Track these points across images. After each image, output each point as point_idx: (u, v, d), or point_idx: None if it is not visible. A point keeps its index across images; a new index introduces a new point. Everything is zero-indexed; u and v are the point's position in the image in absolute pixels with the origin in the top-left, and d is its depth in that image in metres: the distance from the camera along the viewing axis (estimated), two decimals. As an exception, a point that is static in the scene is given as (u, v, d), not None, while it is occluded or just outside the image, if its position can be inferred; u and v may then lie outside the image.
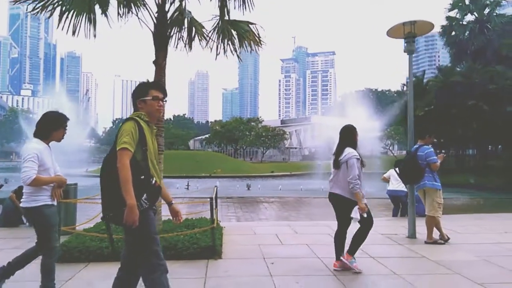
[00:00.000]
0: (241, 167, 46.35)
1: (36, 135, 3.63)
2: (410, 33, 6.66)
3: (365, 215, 4.47)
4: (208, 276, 4.39)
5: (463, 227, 7.60)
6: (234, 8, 7.36)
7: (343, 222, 4.64)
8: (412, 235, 6.58)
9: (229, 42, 7.26)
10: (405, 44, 6.77)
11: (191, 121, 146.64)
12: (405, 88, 33.89)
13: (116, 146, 2.68)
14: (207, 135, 79.65)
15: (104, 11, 6.30)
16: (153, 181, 2.79)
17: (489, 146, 31.96)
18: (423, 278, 4.44)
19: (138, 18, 6.43)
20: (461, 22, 34.03)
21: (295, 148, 78.83)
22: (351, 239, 4.67)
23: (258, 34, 7.43)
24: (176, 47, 7.51)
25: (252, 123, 66.72)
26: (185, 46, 7.58)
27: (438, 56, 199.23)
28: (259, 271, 4.60)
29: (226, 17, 7.00)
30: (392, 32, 6.79)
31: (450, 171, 30.59)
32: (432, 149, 6.21)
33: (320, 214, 12.06)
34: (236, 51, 7.27)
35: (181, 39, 7.47)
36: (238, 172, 41.38)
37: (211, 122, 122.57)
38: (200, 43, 7.40)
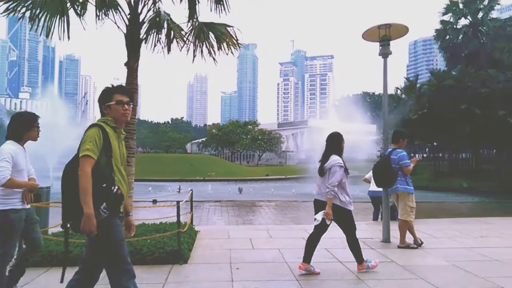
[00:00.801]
0: (236, 171, 46.31)
1: (9, 138, 3.63)
2: (385, 36, 6.65)
3: (328, 222, 4.54)
4: (168, 282, 4.34)
5: (441, 231, 7.56)
6: (211, 10, 7.36)
7: (345, 229, 4.70)
8: (386, 239, 6.54)
9: (206, 44, 7.25)
10: (380, 48, 6.75)
11: (189, 125, 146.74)
12: (399, 91, 33.91)
13: (78, 153, 2.66)
14: (204, 139, 79.60)
15: (79, 14, 6.28)
16: (115, 189, 2.74)
17: (483, 150, 31.97)
18: (385, 283, 4.39)
19: (112, 20, 6.43)
20: (455, 26, 34.12)
21: (292, 151, 78.80)
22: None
23: (236, 37, 7.44)
24: (153, 49, 7.50)
25: (249, 127, 66.73)
26: (162, 49, 7.58)
27: (436, 60, 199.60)
28: (221, 276, 4.56)
29: (199, 20, 6.99)
30: (368, 35, 6.78)
31: (443, 174, 30.62)
32: (405, 153, 6.18)
33: (305, 217, 12.03)
34: (212, 53, 7.24)
35: (159, 41, 7.48)
36: (233, 175, 41.34)
37: (209, 125, 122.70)
38: (178, 46, 7.41)
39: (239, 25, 7.06)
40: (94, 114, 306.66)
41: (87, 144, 2.64)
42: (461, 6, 33.97)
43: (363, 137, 77.09)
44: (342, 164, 4.64)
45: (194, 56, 7.31)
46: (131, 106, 3.02)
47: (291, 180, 40.55)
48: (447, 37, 34.13)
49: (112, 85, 3.03)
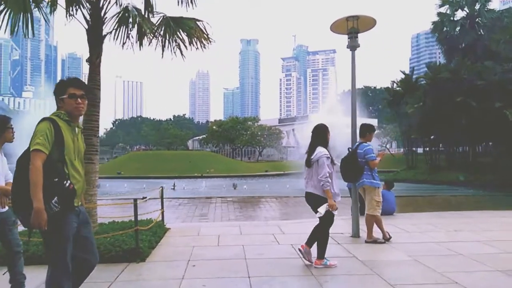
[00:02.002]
0: (235, 167, 46.27)
1: None
2: (353, 28, 6.54)
3: (335, 213, 4.63)
4: (117, 281, 4.30)
5: (415, 226, 7.48)
6: (178, 4, 7.30)
7: (323, 220, 4.70)
8: (355, 234, 6.48)
9: (176, 39, 7.20)
10: (348, 40, 6.64)
11: (191, 121, 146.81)
12: (395, 85, 33.67)
13: (29, 147, 2.65)
14: (204, 135, 79.62)
15: (45, 12, 6.23)
16: (67, 184, 2.71)
17: (480, 143, 31.72)
18: (337, 278, 4.35)
19: (74, 17, 6.38)
20: (451, 18, 33.78)
21: (293, 147, 78.60)
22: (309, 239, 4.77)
23: (206, 31, 7.38)
24: (122, 45, 7.45)
25: (249, 123, 66.60)
26: (133, 45, 7.54)
27: (439, 53, 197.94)
28: (174, 274, 4.51)
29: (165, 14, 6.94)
30: (336, 27, 6.66)
31: (440, 168, 30.44)
32: (371, 147, 6.10)
33: (290, 213, 12.00)
34: (183, 48, 7.18)
35: (128, 37, 7.43)
36: (232, 171, 41.29)
37: (211, 122, 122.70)
38: (148, 40, 7.36)
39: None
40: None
41: (38, 138, 2.63)
42: (458, -3, 33.66)
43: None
44: (329, 155, 4.69)
45: (163, 51, 7.27)
46: (86, 100, 2.96)
47: (290, 175, 40.43)
48: (444, 29, 33.78)
49: (68, 78, 2.97)
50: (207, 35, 7.41)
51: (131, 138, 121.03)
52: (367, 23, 6.56)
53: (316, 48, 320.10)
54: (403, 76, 31.99)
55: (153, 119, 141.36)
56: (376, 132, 35.05)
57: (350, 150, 6.32)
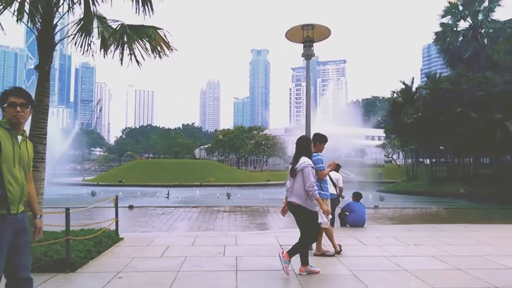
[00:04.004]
0: (237, 176, 46.10)
1: None
2: (308, 37, 6.44)
3: (330, 217, 4.96)
4: (32, 291, 4.18)
5: (377, 239, 7.26)
6: (136, 12, 7.27)
7: (303, 228, 4.82)
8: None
9: (131, 47, 7.19)
10: (304, 49, 6.54)
11: (200, 130, 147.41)
12: (395, 95, 33.34)
13: None
14: (209, 144, 79.82)
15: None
16: None
17: (482, 155, 31.07)
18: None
19: (25, 24, 6.40)
20: (454, 29, 33.42)
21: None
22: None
23: (166, 39, 7.35)
24: (83, 54, 7.49)
25: (254, 132, 66.56)
26: (93, 55, 7.57)
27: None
28: (94, 285, 4.39)
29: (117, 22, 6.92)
30: (290, 35, 6.56)
31: (441, 179, 29.88)
32: (320, 157, 5.93)
33: (267, 223, 11.80)
34: (140, 57, 7.15)
35: (89, 45, 7.46)
36: (233, 180, 41.11)
37: (219, 131, 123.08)
38: (107, 49, 7.37)
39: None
40: (109, 120, 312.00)
41: None
42: (460, 8, 33.30)
43: (369, 142, 76.24)
44: (313, 165, 4.87)
45: (121, 59, 7.26)
46: (28, 109, 2.94)
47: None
48: (447, 39, 33.42)
49: (12, 87, 3.00)
50: (168, 43, 7.40)
51: (140, 147, 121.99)
52: (322, 32, 6.48)
53: (327, 58, 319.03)
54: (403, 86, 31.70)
55: (162, 127, 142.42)
56: (382, 142, 34.59)
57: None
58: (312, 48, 6.51)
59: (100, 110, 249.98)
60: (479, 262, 5.64)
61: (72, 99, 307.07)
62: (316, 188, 4.70)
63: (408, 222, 12.11)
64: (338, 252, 5.96)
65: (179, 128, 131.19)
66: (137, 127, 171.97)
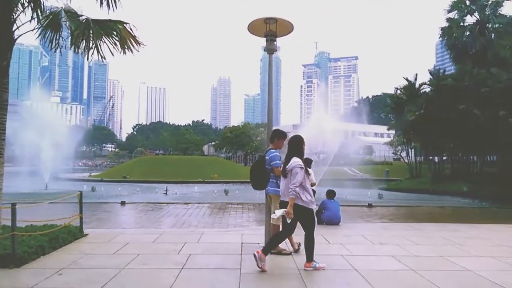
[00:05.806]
0: (241, 173, 45.92)
1: None
2: (270, 31, 6.30)
3: (289, 221, 4.81)
4: (-36, 286, 4.18)
5: (346, 237, 7.11)
6: (100, 6, 7.20)
7: (305, 226, 4.90)
8: (266, 245, 6.17)
9: (100, 42, 7.15)
10: (266, 42, 6.40)
11: (209, 127, 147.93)
12: (398, 92, 32.78)
13: None
14: (217, 141, 79.93)
15: None
16: None
17: (488, 153, 30.37)
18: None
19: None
20: (461, 24, 32.65)
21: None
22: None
23: (133, 34, 7.30)
24: (53, 49, 7.49)
25: (261, 128, 66.42)
26: (60, 50, 7.58)
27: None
28: (28, 282, 4.35)
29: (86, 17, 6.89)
30: (252, 27, 6.40)
31: (445, 177, 29.36)
32: (277, 153, 5.82)
33: (251, 220, 11.70)
34: (101, 51, 7.10)
35: (58, 41, 7.46)
36: (236, 177, 40.97)
37: (228, 127, 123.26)
38: (78, 44, 7.33)
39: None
40: (121, 117, 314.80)
41: None
42: (467, 2, 32.49)
43: (377, 139, 75.35)
44: (303, 166, 4.89)
45: (87, 54, 7.24)
46: None
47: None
48: (453, 35, 32.66)
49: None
50: (134, 37, 7.34)
51: (150, 143, 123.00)
52: (285, 27, 6.32)
53: (338, 54, 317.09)
54: (406, 83, 31.16)
55: (173, 124, 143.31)
56: (390, 140, 33.83)
57: (259, 156, 6.07)
58: (275, 42, 6.36)
59: (112, 107, 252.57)
60: (438, 263, 5.46)
61: (85, 96, 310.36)
62: (297, 189, 4.72)
63: (397, 220, 11.87)
64: (296, 251, 5.84)
65: (189, 124, 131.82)
66: (148, 123, 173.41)
